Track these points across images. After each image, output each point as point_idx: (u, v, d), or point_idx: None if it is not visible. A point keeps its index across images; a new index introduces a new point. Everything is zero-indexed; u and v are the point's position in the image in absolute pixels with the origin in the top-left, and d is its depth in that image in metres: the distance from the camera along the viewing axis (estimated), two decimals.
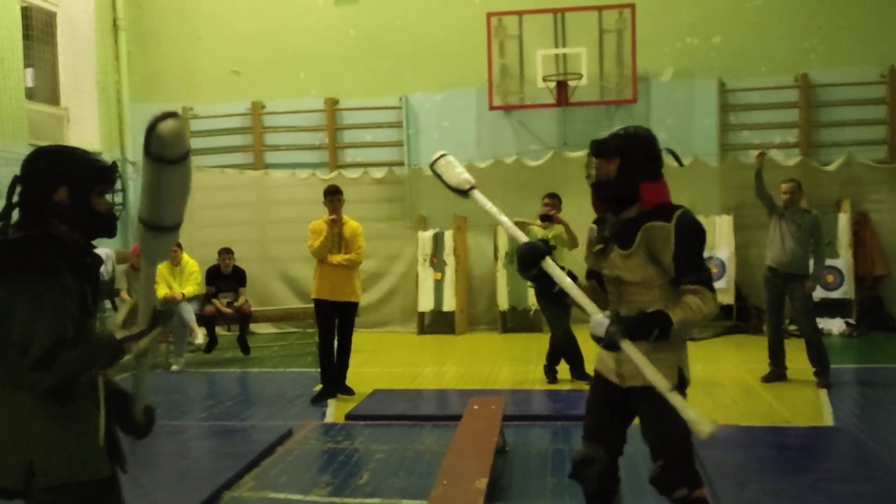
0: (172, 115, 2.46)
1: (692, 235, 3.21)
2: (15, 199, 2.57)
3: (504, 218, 3.38)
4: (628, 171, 3.24)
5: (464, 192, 3.59)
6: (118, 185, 2.77)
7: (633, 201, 3.27)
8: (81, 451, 2.55)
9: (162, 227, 2.59)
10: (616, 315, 3.11)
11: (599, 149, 3.32)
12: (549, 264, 3.20)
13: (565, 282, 3.20)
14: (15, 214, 2.60)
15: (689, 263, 3.16)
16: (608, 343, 3.09)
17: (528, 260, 3.22)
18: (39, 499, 2.54)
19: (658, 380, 3.05)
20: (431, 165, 3.67)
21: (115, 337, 2.60)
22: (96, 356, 2.55)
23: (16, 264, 2.46)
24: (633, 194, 3.25)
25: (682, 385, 3.26)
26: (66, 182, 2.57)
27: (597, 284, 3.47)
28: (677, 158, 3.58)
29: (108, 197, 2.72)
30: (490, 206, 3.43)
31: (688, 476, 3.24)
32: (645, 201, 3.25)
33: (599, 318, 3.08)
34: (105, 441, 2.63)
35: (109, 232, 2.76)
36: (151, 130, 2.42)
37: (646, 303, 3.20)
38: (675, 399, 3.04)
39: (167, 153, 2.44)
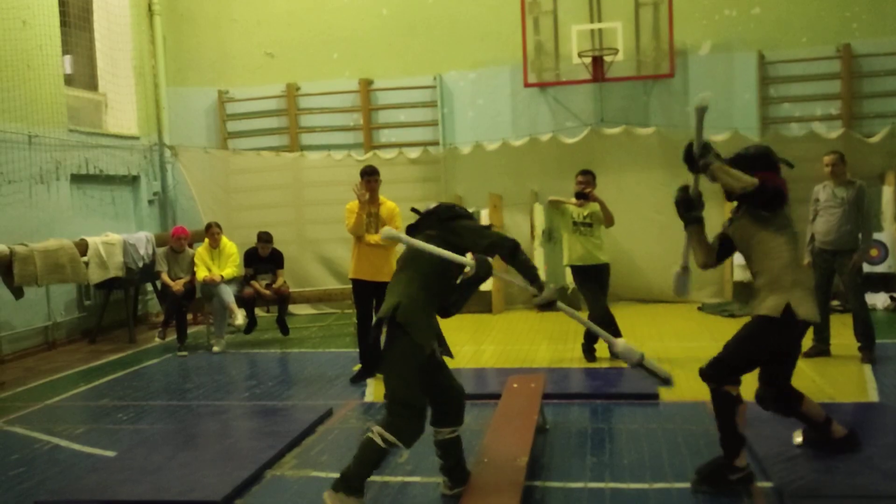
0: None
1: (768, 182, 4.42)
2: None
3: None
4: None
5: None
6: None
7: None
8: (430, 326, 4.29)
9: None
10: None
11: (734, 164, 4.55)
12: None
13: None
14: None
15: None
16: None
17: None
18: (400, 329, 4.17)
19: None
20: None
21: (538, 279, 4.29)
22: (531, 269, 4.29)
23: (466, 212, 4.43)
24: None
25: (788, 318, 4.28)
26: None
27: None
28: (788, 164, 4.71)
29: None
30: None
31: (719, 375, 4.40)
32: None
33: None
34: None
35: None
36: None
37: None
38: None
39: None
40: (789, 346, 4.50)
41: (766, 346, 4.41)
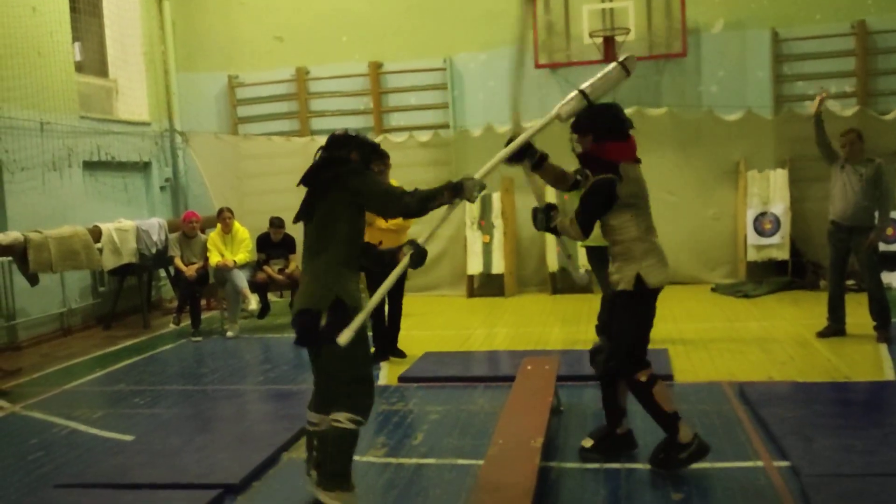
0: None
1: (593, 195, 4.44)
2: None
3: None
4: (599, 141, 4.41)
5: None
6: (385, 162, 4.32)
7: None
8: (356, 292, 4.11)
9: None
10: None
11: (575, 127, 4.49)
12: None
13: None
14: None
15: (581, 204, 4.47)
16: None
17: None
18: (331, 316, 3.99)
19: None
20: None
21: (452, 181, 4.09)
22: (440, 193, 4.04)
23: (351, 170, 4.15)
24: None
25: (640, 288, 4.40)
26: (357, 148, 4.24)
27: None
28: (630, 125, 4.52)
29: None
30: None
31: (627, 366, 4.44)
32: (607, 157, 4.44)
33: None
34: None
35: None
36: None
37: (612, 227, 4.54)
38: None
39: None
40: (645, 311, 4.52)
41: (641, 317, 4.47)
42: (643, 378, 4.44)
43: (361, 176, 4.13)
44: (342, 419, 4.00)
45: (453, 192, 4.02)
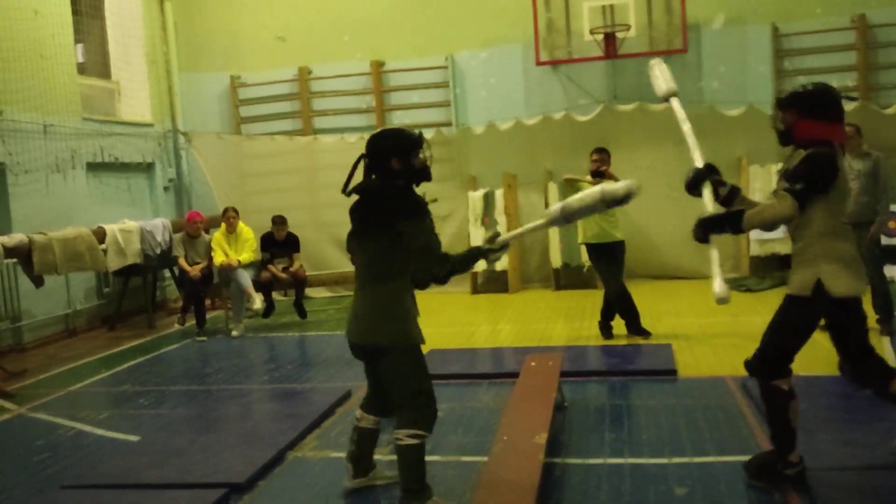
0: None
1: (812, 162, 3.93)
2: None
3: (687, 127, 4.42)
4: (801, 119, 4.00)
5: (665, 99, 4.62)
6: (426, 147, 4.07)
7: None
8: (414, 319, 4.17)
9: None
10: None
11: (779, 102, 4.13)
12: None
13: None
14: None
15: (792, 176, 3.94)
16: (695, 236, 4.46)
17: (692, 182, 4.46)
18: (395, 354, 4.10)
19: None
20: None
21: (480, 248, 4.16)
22: (471, 259, 4.16)
23: (410, 204, 4.00)
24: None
25: (819, 296, 3.88)
26: (396, 154, 4.00)
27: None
28: (850, 98, 4.16)
29: (422, 155, 4.06)
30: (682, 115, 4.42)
31: (766, 369, 4.05)
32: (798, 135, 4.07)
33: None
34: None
35: (428, 178, 4.14)
36: None
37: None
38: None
39: None
40: (838, 322, 4.02)
41: (803, 328, 3.98)
42: (785, 387, 4.04)
43: (408, 219, 3.99)
44: (402, 436, 4.00)
45: (478, 258, 4.20)
